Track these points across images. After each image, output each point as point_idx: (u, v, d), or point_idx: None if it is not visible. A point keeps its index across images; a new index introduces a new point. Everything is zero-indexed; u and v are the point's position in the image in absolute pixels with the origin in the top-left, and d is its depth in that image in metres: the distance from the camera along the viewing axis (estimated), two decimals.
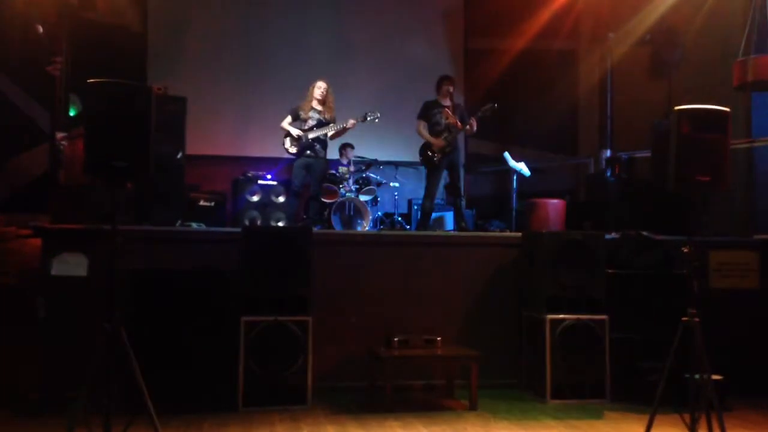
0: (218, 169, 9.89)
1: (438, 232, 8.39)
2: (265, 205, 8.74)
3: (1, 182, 8.62)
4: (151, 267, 5.86)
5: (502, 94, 9.58)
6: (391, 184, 9.85)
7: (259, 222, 8.58)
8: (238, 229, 6.28)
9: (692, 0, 8.43)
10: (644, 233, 6.67)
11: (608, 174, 9.00)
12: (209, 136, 10.01)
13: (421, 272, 6.67)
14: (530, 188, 9.15)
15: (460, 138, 8.37)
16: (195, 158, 8.67)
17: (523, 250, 6.70)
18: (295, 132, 7.99)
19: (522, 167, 8.60)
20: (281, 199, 8.77)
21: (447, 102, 8.18)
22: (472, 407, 5.75)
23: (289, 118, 8.10)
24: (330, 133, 8.09)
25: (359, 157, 9.92)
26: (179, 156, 7.02)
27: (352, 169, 9.74)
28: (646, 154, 8.20)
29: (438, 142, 7.99)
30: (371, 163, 9.78)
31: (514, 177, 8.65)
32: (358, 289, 6.53)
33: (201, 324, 5.72)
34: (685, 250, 4.47)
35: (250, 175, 8.91)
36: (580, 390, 6.06)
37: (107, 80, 4.07)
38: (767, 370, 6.32)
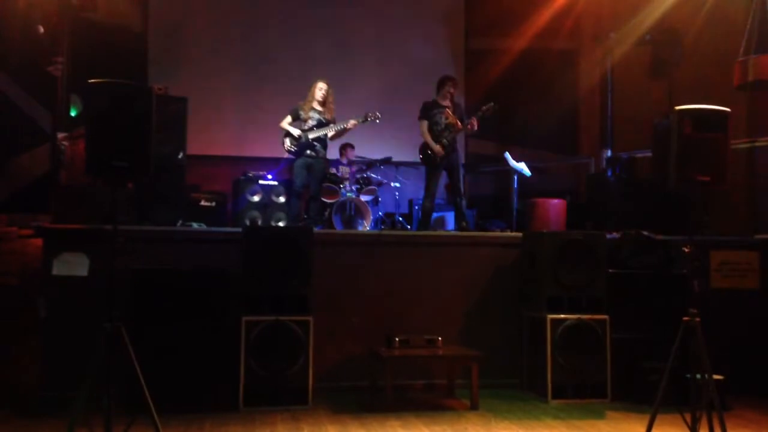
0: (219, 169, 9.89)
1: (439, 232, 8.39)
2: (266, 205, 8.73)
3: (2, 182, 8.61)
4: (151, 267, 5.86)
5: (502, 94, 9.57)
6: (392, 183, 9.85)
7: (259, 222, 8.57)
8: (239, 229, 6.29)
9: (693, 0, 8.43)
10: (645, 233, 6.66)
11: (609, 174, 9.00)
12: (210, 137, 10.01)
13: (422, 272, 6.68)
14: (531, 188, 9.15)
15: (461, 138, 8.38)
16: (196, 158, 8.68)
17: (524, 250, 6.71)
18: (295, 132, 7.99)
19: (523, 167, 8.59)
20: (282, 199, 8.77)
21: (447, 102, 8.17)
22: (473, 407, 5.76)
23: (288, 118, 8.09)
24: (330, 134, 8.09)
25: (360, 157, 9.93)
26: (180, 156, 7.03)
27: (352, 169, 9.74)
28: (647, 153, 8.19)
29: (437, 149, 7.94)
30: (372, 163, 9.78)
31: (515, 177, 8.64)
32: (359, 288, 6.54)
33: (202, 324, 5.72)
34: (686, 250, 4.47)
35: (250, 175, 8.90)
36: (582, 390, 6.07)
37: (108, 80, 4.08)
38: (767, 370, 6.33)
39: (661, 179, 4.54)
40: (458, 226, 8.24)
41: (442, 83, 8.21)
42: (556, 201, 8.38)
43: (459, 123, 7.99)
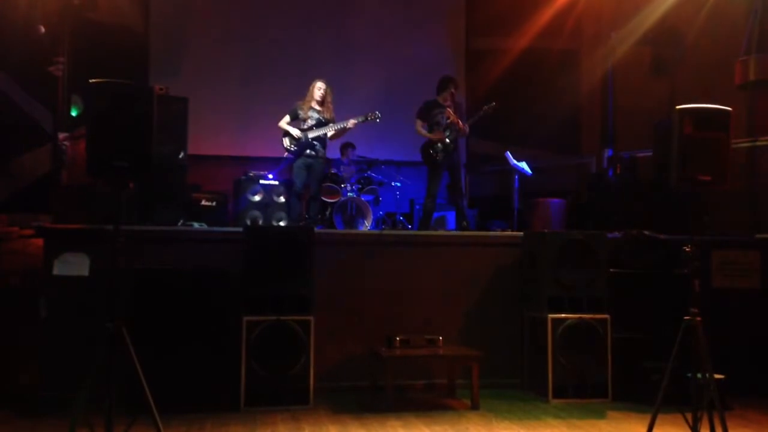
0: (220, 168, 9.89)
1: (440, 232, 8.39)
2: (267, 205, 8.73)
3: (4, 182, 8.63)
4: (153, 267, 5.86)
5: (503, 93, 9.56)
6: (393, 183, 9.85)
7: (260, 222, 8.57)
8: (240, 229, 6.28)
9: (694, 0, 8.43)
10: (646, 232, 6.66)
11: (610, 173, 9.00)
12: (211, 136, 10.01)
13: (422, 272, 6.68)
14: (532, 188, 9.15)
15: (461, 138, 8.36)
16: (197, 158, 8.69)
17: (525, 250, 6.70)
18: (295, 132, 7.98)
19: (524, 167, 8.59)
20: (283, 198, 8.77)
21: (448, 102, 8.17)
22: (474, 407, 5.76)
23: (287, 118, 8.09)
24: (330, 134, 8.09)
25: (361, 156, 9.93)
26: (181, 156, 7.03)
27: (353, 168, 9.74)
28: (648, 153, 8.18)
29: (438, 135, 7.97)
30: (373, 163, 9.78)
31: (516, 177, 8.64)
32: (360, 288, 6.54)
33: (203, 323, 5.72)
34: (687, 250, 4.47)
35: (251, 174, 8.89)
36: (582, 389, 6.07)
37: (109, 80, 4.08)
38: None
39: (663, 179, 4.54)
40: (459, 226, 8.24)
41: (443, 84, 8.21)
42: (557, 201, 8.39)
43: (460, 123, 8.00)
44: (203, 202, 8.10)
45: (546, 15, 10.48)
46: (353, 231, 8.41)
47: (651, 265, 6.47)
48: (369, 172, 9.67)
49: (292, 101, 8.18)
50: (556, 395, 6.02)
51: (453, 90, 8.19)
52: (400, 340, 6.02)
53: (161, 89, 7.01)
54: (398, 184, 9.85)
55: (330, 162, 9.80)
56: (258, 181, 8.80)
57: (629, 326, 6.24)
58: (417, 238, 7.13)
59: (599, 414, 5.67)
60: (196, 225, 6.98)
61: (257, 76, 10.62)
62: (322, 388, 6.06)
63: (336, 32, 11.08)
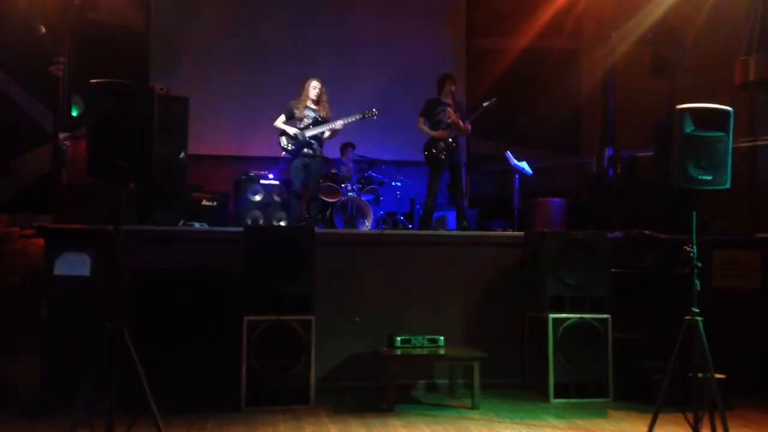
0: (220, 168, 9.89)
1: (440, 232, 8.38)
2: (268, 205, 8.73)
3: (4, 182, 8.63)
4: (153, 267, 5.86)
5: (504, 93, 9.53)
6: (394, 183, 9.85)
7: (261, 222, 8.57)
8: (241, 229, 6.28)
9: None
10: (647, 232, 6.66)
11: (610, 173, 9.00)
12: (211, 136, 10.01)
13: (423, 271, 6.68)
14: (532, 187, 9.14)
15: (462, 138, 8.37)
16: (197, 158, 8.69)
17: (526, 250, 6.70)
18: (292, 131, 7.97)
19: (524, 166, 8.59)
20: (283, 198, 8.77)
21: (449, 100, 8.18)
22: (475, 406, 5.76)
23: (282, 117, 8.08)
24: (327, 134, 8.07)
25: (361, 156, 9.93)
26: (181, 156, 7.02)
27: (354, 168, 9.73)
28: (649, 153, 8.18)
29: (441, 133, 7.99)
30: (373, 162, 9.78)
31: (517, 176, 8.64)
32: (361, 288, 6.54)
33: (203, 323, 5.73)
34: (688, 249, 4.47)
35: (252, 174, 8.89)
36: (583, 389, 6.07)
37: (110, 80, 4.08)
38: None
39: (663, 178, 4.54)
40: (459, 226, 8.24)
41: (442, 82, 8.25)
42: (557, 200, 8.39)
43: (460, 122, 8.00)
44: (204, 202, 8.10)
45: (546, 15, 10.48)
46: (354, 231, 8.41)
47: (651, 264, 6.47)
48: (369, 172, 9.67)
49: (293, 101, 8.18)
50: (557, 395, 6.02)
51: (452, 86, 8.20)
52: (401, 339, 6.02)
53: (162, 89, 7.00)
54: (399, 184, 9.85)
55: (328, 161, 9.81)
56: (258, 180, 8.80)
57: (630, 326, 6.24)
58: (417, 238, 7.13)
59: (600, 414, 5.68)
60: (196, 225, 6.98)
61: (258, 75, 10.61)
62: (323, 388, 6.06)
63: (336, 32, 11.07)
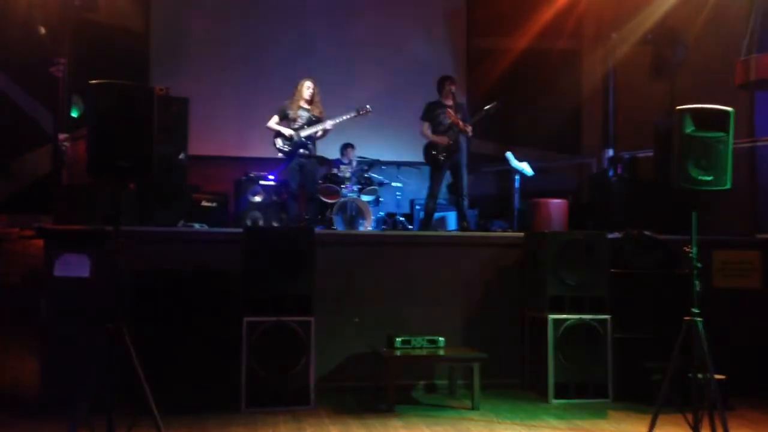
0: (220, 169, 9.88)
1: (440, 232, 8.39)
2: (267, 206, 8.73)
3: (4, 183, 8.63)
4: (153, 268, 5.86)
5: (504, 93, 9.56)
6: (393, 184, 9.84)
7: (261, 222, 8.57)
8: (241, 230, 6.28)
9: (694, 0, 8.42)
10: (647, 233, 6.66)
11: (611, 173, 8.99)
12: (211, 137, 10.00)
13: (423, 272, 6.67)
14: (533, 188, 9.13)
15: (463, 138, 8.36)
16: (197, 159, 8.68)
17: (526, 250, 6.70)
18: (287, 132, 7.97)
19: (524, 167, 8.58)
20: (283, 199, 8.77)
21: (449, 102, 8.19)
22: (475, 407, 5.76)
23: (276, 118, 8.07)
24: (319, 134, 8.06)
25: (361, 157, 9.92)
26: (181, 157, 7.03)
27: (353, 169, 9.73)
28: (649, 153, 8.18)
29: (442, 139, 8.00)
30: (373, 163, 9.78)
31: (517, 177, 8.63)
32: (361, 289, 6.53)
33: (203, 324, 5.73)
34: (688, 250, 4.47)
35: (252, 175, 8.89)
36: (583, 390, 6.06)
37: (110, 81, 4.08)
38: None
39: (663, 179, 4.54)
40: (460, 227, 8.24)
41: (441, 83, 8.26)
42: (557, 201, 8.37)
43: (461, 123, 8.00)
44: (204, 203, 8.10)
45: (547, 15, 10.47)
46: (354, 231, 8.41)
47: (651, 265, 6.46)
48: (369, 173, 9.66)
49: (285, 101, 8.17)
50: (557, 395, 6.02)
51: (452, 88, 8.21)
52: (401, 340, 6.02)
53: (162, 90, 7.00)
54: (399, 185, 9.85)
55: (328, 162, 9.81)
56: (258, 181, 8.80)
57: (630, 326, 6.24)
58: (418, 239, 7.13)
59: (600, 414, 5.67)
60: (196, 226, 6.98)
61: (258, 76, 10.61)
62: (323, 389, 6.06)
63: (336, 32, 11.07)
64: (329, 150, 9.77)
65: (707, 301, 4.51)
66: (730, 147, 4.48)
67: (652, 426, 4.47)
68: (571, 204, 8.61)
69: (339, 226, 8.74)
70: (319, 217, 8.80)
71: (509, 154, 8.69)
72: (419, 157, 8.35)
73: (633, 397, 5.97)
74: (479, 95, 10.43)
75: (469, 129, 8.04)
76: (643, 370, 5.96)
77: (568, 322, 6.08)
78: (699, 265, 4.47)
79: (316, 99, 8.11)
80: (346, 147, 9.89)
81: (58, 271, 5.79)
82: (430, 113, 8.20)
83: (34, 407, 5.60)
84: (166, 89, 7.25)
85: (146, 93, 4.22)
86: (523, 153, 9.07)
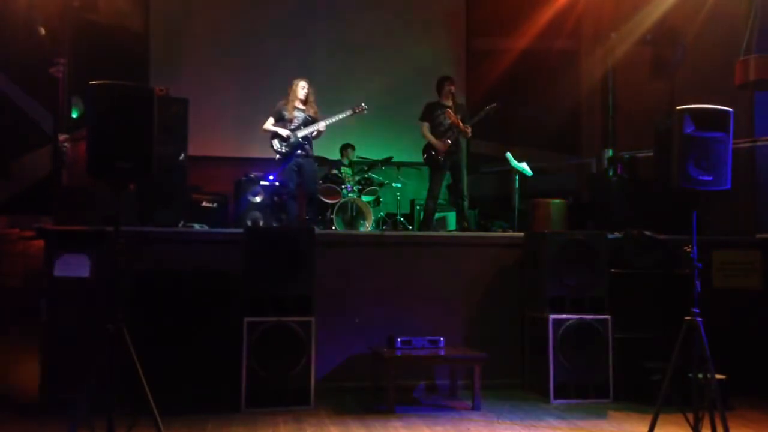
0: (220, 170, 9.88)
1: (440, 233, 8.39)
2: (268, 206, 8.73)
3: (4, 184, 8.64)
4: (153, 268, 5.86)
5: (504, 94, 9.57)
6: (393, 184, 9.85)
7: (261, 223, 8.57)
8: (241, 230, 6.28)
9: None
10: (647, 233, 6.66)
11: (610, 173, 9.00)
12: (211, 138, 10.01)
13: (423, 272, 6.68)
14: (532, 188, 9.13)
15: (464, 138, 8.37)
16: (197, 159, 8.68)
17: (526, 250, 6.70)
18: (284, 132, 7.96)
19: (524, 167, 8.59)
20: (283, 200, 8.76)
21: (449, 102, 8.19)
22: (475, 407, 5.75)
23: (271, 120, 8.05)
24: (314, 134, 8.06)
25: (361, 157, 9.92)
26: (181, 157, 7.03)
27: (353, 169, 9.73)
28: (649, 153, 8.18)
29: (442, 145, 8.00)
30: (373, 164, 9.78)
31: (517, 177, 8.64)
32: (361, 289, 6.53)
33: (204, 325, 5.72)
34: (688, 250, 4.47)
35: (252, 176, 8.89)
36: (584, 390, 6.06)
37: (109, 82, 4.08)
38: None
39: (663, 179, 4.54)
40: (460, 227, 8.24)
41: (440, 84, 8.27)
42: (557, 201, 8.37)
43: (460, 123, 8.00)
44: (204, 204, 8.10)
45: (546, 15, 10.48)
46: (354, 232, 8.42)
47: (651, 265, 6.47)
48: (369, 173, 9.67)
49: (280, 102, 8.16)
50: (557, 396, 6.02)
51: (451, 88, 8.21)
52: (401, 340, 6.02)
53: (161, 90, 7.00)
54: (399, 185, 9.85)
55: (328, 162, 9.81)
56: (259, 182, 8.79)
57: (630, 326, 6.24)
58: (418, 239, 7.12)
59: (600, 414, 5.67)
60: (196, 226, 6.98)
61: (257, 77, 10.61)
62: (324, 389, 6.06)
63: (336, 33, 11.08)
64: (329, 150, 9.78)
65: (707, 301, 4.51)
66: (730, 147, 4.48)
67: (652, 426, 4.47)
68: (571, 204, 8.60)
69: (339, 227, 8.74)
70: (320, 217, 8.80)
71: (509, 155, 8.69)
72: (419, 158, 8.35)
73: (633, 397, 5.97)
74: (479, 95, 10.44)
75: (469, 130, 8.05)
76: (644, 370, 5.96)
77: (569, 322, 6.08)
78: (699, 265, 4.47)
79: (311, 99, 8.09)
80: (346, 147, 9.90)
81: (59, 271, 5.79)
82: (430, 114, 8.20)
83: (35, 407, 5.60)
84: (166, 90, 7.24)
85: (146, 93, 4.22)
86: (522, 153, 9.07)
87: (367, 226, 8.84)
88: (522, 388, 6.51)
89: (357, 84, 10.48)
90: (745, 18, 7.42)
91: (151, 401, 4.02)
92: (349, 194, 9.14)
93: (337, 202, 9.00)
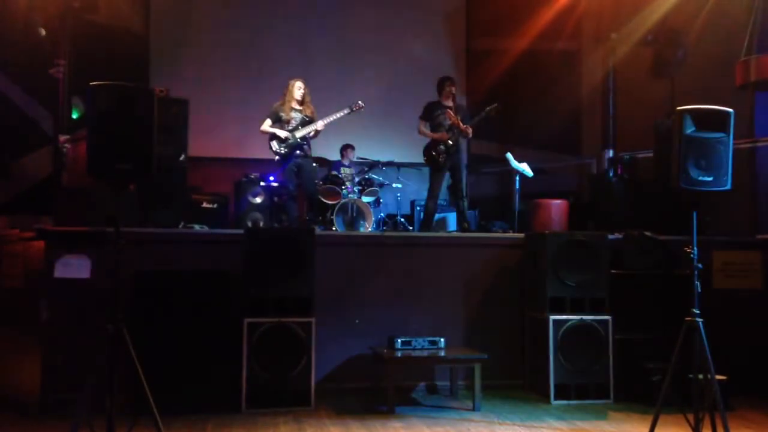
0: (220, 170, 9.88)
1: (441, 233, 8.38)
2: (268, 207, 8.73)
3: (4, 184, 8.64)
4: (153, 269, 5.86)
5: (504, 94, 9.57)
6: (394, 185, 9.85)
7: (261, 224, 8.57)
8: (241, 231, 6.28)
9: (694, 0, 8.42)
10: (647, 233, 6.66)
11: (611, 174, 8.99)
12: (211, 138, 10.00)
13: (423, 273, 6.67)
14: (533, 189, 9.13)
15: (464, 139, 8.37)
16: (197, 160, 8.68)
17: (527, 251, 6.70)
18: (282, 134, 7.96)
19: (525, 168, 8.58)
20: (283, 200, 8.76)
21: (449, 103, 8.18)
22: (476, 408, 5.75)
23: (269, 121, 8.05)
24: (311, 134, 8.06)
25: (361, 158, 9.92)
26: (182, 158, 7.02)
27: (353, 170, 9.73)
28: (649, 154, 8.18)
29: (441, 135, 7.99)
30: (373, 164, 9.78)
31: (517, 177, 8.63)
32: (361, 290, 6.53)
33: (204, 325, 5.72)
34: (688, 250, 4.47)
35: (252, 176, 8.89)
36: (584, 390, 6.06)
37: (110, 83, 4.08)
38: None
39: (663, 179, 4.54)
40: (460, 227, 8.24)
41: (441, 84, 8.25)
42: (558, 201, 8.38)
43: (461, 124, 8.00)
44: (204, 204, 8.10)
45: (546, 16, 10.47)
46: (354, 232, 8.42)
47: (652, 265, 6.47)
48: (370, 174, 9.67)
49: (276, 103, 8.16)
50: (557, 396, 6.02)
51: (451, 88, 8.20)
52: (401, 341, 6.02)
53: (162, 91, 7.00)
54: (399, 186, 9.85)
55: (329, 163, 9.81)
56: (259, 182, 8.80)
57: (630, 327, 6.24)
58: (418, 240, 7.13)
59: (601, 415, 5.67)
60: (196, 227, 6.98)
61: (258, 77, 10.60)
62: (324, 390, 6.06)
63: (336, 33, 11.07)
64: (329, 151, 9.78)
65: (708, 301, 4.51)
66: (730, 147, 4.47)
67: (653, 426, 4.47)
68: (572, 205, 8.61)
69: (340, 227, 8.74)
70: (320, 218, 8.80)
71: (509, 155, 8.69)
72: (419, 158, 8.35)
73: (634, 397, 5.97)
74: (479, 96, 10.44)
75: (470, 131, 8.04)
76: (644, 371, 5.95)
77: (569, 322, 6.08)
78: (699, 265, 4.47)
79: (307, 99, 8.09)
80: (346, 148, 9.90)
81: (59, 272, 5.79)
82: (429, 113, 8.20)
83: (35, 408, 5.59)
84: (166, 90, 7.24)
85: (146, 94, 4.22)
86: (523, 154, 9.07)
87: (367, 227, 8.84)
88: (522, 388, 6.51)
89: (357, 84, 10.48)
90: (745, 18, 7.41)
91: (151, 401, 4.02)
92: (350, 195, 9.14)
93: (337, 203, 9.00)
